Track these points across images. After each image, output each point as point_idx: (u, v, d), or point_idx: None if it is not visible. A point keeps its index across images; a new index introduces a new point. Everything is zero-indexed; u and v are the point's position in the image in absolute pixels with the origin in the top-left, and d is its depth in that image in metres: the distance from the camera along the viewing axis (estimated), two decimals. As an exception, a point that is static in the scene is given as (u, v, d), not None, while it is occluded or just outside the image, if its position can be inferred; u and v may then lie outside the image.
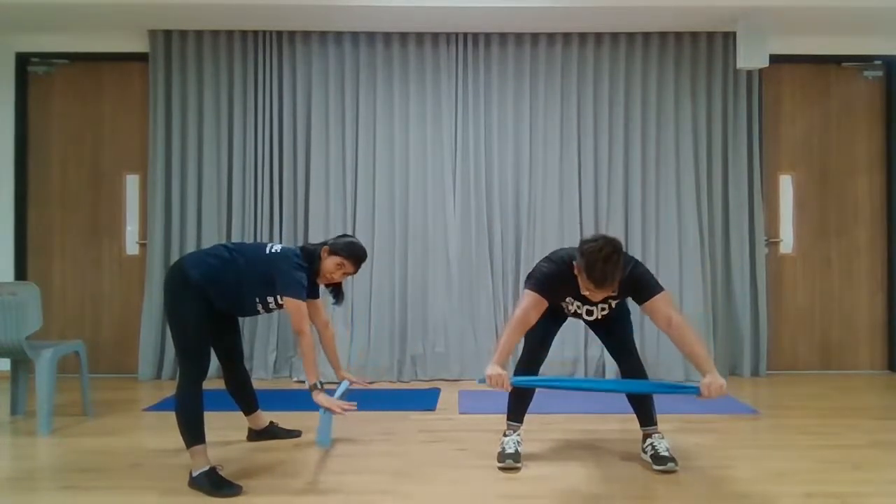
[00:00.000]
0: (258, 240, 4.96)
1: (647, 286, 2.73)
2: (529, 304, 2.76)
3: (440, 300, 4.95)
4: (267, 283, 2.89)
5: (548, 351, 3.08)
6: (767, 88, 5.17)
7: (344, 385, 3.28)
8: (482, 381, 2.68)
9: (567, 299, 2.90)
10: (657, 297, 2.71)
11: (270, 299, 2.94)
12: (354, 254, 3.06)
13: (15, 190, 5.08)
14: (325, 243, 3.09)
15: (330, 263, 3.02)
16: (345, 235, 3.19)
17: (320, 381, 2.87)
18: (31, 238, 5.13)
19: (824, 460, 3.07)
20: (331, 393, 2.98)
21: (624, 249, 2.66)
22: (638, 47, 5.02)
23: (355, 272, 3.12)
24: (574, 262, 2.65)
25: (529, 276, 2.90)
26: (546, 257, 2.90)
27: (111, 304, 5.15)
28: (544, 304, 2.77)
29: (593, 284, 2.56)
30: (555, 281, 2.77)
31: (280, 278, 2.87)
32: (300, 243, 4.97)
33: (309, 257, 3.03)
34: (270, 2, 4.49)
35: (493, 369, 2.68)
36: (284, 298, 2.87)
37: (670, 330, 2.69)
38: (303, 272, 2.93)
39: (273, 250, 2.95)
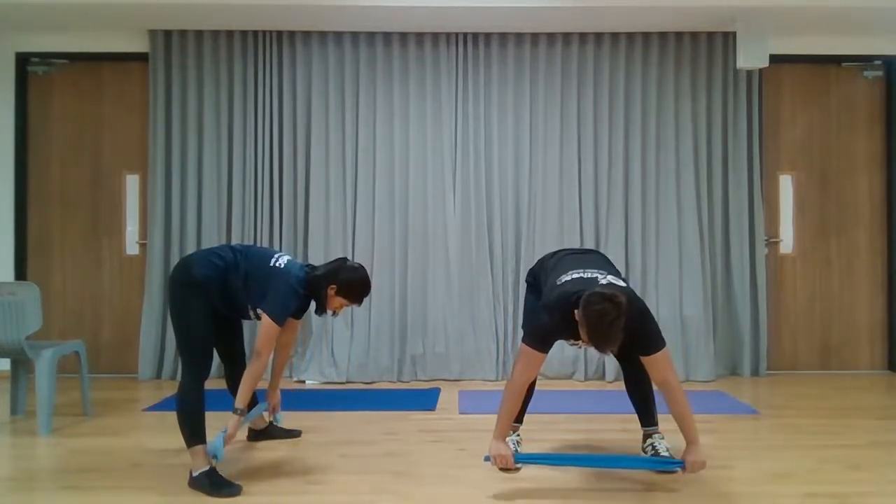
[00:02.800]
0: (258, 240, 4.96)
1: (649, 341, 2.68)
2: (529, 364, 2.73)
3: (440, 300, 4.95)
4: (261, 294, 2.86)
5: (547, 352, 3.08)
6: (767, 88, 5.17)
7: (262, 406, 3.24)
8: (487, 459, 2.75)
9: (568, 339, 2.85)
10: (657, 354, 2.68)
11: (261, 311, 2.91)
12: (360, 296, 3.00)
13: (15, 190, 5.08)
14: (331, 277, 2.95)
15: (335, 302, 2.97)
16: (346, 263, 3.03)
17: (245, 410, 2.83)
18: (31, 238, 5.13)
19: (824, 460, 3.07)
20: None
21: (633, 297, 2.61)
22: (638, 47, 5.02)
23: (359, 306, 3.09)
24: (575, 312, 2.54)
25: (529, 328, 2.84)
26: (543, 303, 2.75)
27: (111, 304, 5.14)
28: (544, 357, 2.74)
29: (594, 347, 2.55)
30: (554, 333, 2.72)
31: (269, 295, 2.83)
32: (300, 243, 4.98)
33: (313, 287, 2.95)
34: (270, 2, 4.49)
35: (497, 448, 2.74)
36: (262, 315, 2.82)
37: (663, 388, 2.72)
38: (295, 299, 2.88)
39: (277, 264, 2.90)
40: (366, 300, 4.88)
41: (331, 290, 2.94)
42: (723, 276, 5.05)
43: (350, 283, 2.96)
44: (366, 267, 3.07)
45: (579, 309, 2.50)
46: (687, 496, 2.66)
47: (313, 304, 3.06)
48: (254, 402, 3.33)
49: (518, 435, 3.09)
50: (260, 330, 2.81)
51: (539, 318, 2.75)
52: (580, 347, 2.89)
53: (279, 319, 2.81)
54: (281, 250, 4.89)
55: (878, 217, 5.23)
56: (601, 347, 2.54)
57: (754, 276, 5.02)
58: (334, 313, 3.08)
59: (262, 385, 3.15)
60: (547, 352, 2.73)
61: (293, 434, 3.46)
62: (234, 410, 2.79)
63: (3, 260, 5.04)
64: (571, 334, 2.67)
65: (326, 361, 4.90)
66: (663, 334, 2.72)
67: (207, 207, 4.98)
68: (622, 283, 2.71)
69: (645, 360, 2.72)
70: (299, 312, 3.12)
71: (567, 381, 4.89)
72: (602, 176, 5.01)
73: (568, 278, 2.74)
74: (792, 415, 3.91)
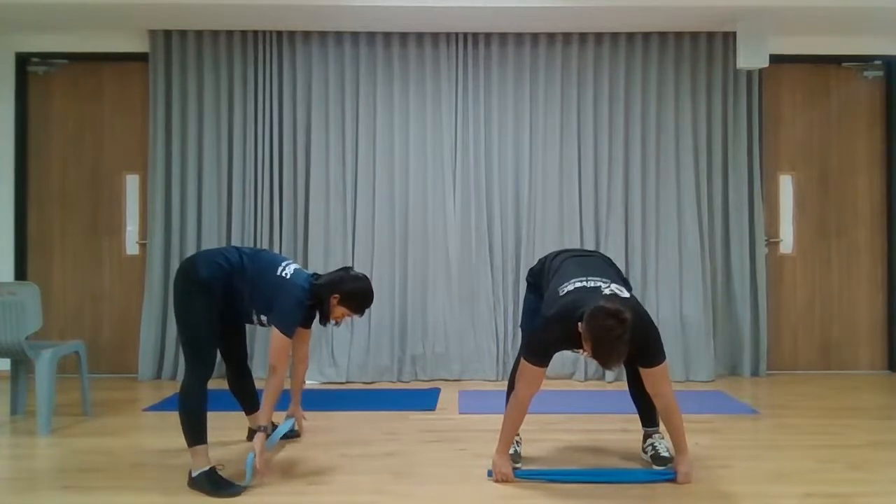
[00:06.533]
0: (258, 240, 4.95)
1: (651, 354, 2.69)
2: (531, 381, 2.73)
3: (440, 300, 4.95)
4: (267, 303, 2.87)
5: (547, 365, 3.05)
6: (767, 88, 5.17)
7: (290, 423, 3.24)
8: (490, 473, 2.80)
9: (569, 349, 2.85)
10: (657, 368, 2.70)
11: (264, 318, 2.93)
12: (362, 307, 3.01)
13: (15, 190, 5.08)
14: (337, 284, 2.96)
15: (338, 312, 2.98)
16: (349, 273, 3.05)
17: (269, 427, 2.83)
18: (31, 238, 5.13)
19: (824, 460, 3.07)
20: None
21: (638, 310, 2.60)
22: (638, 47, 5.02)
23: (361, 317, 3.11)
24: (579, 325, 2.53)
25: (528, 342, 2.85)
26: (544, 316, 2.74)
27: (111, 304, 5.14)
28: (545, 370, 2.74)
29: (599, 362, 2.55)
30: (553, 347, 2.73)
31: (276, 308, 2.85)
32: (300, 243, 4.98)
33: (317, 296, 2.96)
34: (270, 2, 4.49)
35: (499, 464, 2.78)
36: (272, 330, 2.84)
37: (657, 400, 2.78)
38: (301, 310, 2.89)
39: (283, 273, 2.90)
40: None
41: (334, 300, 2.95)
42: (723, 276, 5.05)
43: (353, 292, 2.97)
44: (366, 266, 3.07)
45: (583, 323, 2.49)
46: (687, 496, 2.66)
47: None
48: (255, 403, 3.35)
49: (518, 435, 3.08)
50: (272, 345, 2.83)
51: (538, 330, 2.76)
52: (582, 355, 2.89)
53: (289, 332, 2.83)
54: (281, 250, 4.93)
55: (878, 217, 5.23)
56: (606, 363, 2.54)
57: (754, 276, 5.02)
58: (336, 323, 3.08)
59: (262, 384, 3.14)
60: (547, 365, 2.73)
61: (293, 434, 3.46)
62: (259, 428, 2.80)
63: (3, 260, 5.04)
64: (573, 345, 2.67)
65: (326, 361, 4.90)
66: (663, 334, 2.72)
67: (207, 207, 4.98)
68: (626, 294, 2.69)
69: (643, 371, 2.74)
70: (307, 322, 3.13)
71: (567, 381, 4.89)
72: (602, 176, 5.01)
73: (570, 287, 2.72)
74: (792, 415, 3.91)
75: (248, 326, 3.19)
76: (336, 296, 2.95)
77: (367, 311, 3.09)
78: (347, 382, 4.83)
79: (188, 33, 5.00)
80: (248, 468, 2.78)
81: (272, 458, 3.09)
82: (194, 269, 2.83)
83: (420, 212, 5.00)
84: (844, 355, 5.21)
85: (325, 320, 3.03)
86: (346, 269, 3.08)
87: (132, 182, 5.18)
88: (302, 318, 2.94)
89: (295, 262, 3.24)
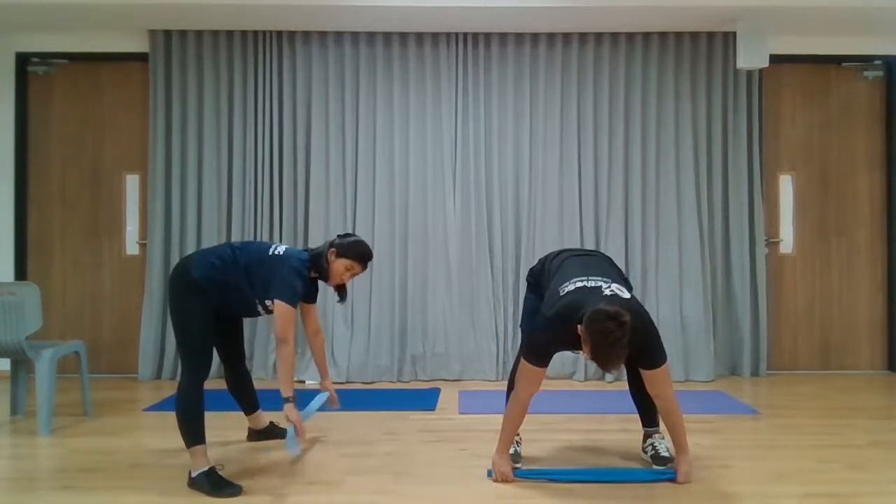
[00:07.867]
0: (258, 239, 4.96)
1: (651, 355, 2.69)
2: (531, 380, 2.73)
3: (440, 300, 4.95)
4: (266, 285, 2.89)
5: (547, 365, 3.05)
6: (767, 88, 5.17)
7: (324, 395, 3.28)
8: (490, 474, 2.81)
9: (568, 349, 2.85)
10: (658, 370, 2.70)
11: (269, 302, 2.93)
12: (362, 254, 3.07)
13: (15, 190, 5.08)
14: (331, 244, 3.06)
15: (339, 266, 3.03)
16: (348, 235, 3.17)
17: (294, 395, 2.87)
18: (31, 238, 5.13)
19: (824, 460, 3.07)
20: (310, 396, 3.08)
21: (638, 311, 2.59)
22: (638, 47, 5.02)
23: (364, 271, 3.14)
24: (578, 327, 2.52)
25: (527, 342, 2.85)
26: (544, 316, 2.71)
27: (111, 304, 5.14)
28: (545, 370, 2.73)
29: (598, 365, 2.55)
30: (553, 347, 2.73)
31: (275, 282, 2.86)
32: (300, 243, 4.98)
33: (316, 262, 3.02)
34: (270, 2, 4.49)
35: (499, 463, 2.79)
36: (275, 302, 2.85)
37: (658, 401, 2.78)
38: (300, 279, 2.91)
39: (276, 252, 2.95)
40: (366, 299, 4.91)
41: (331, 255, 3.01)
42: (723, 276, 5.05)
43: (349, 244, 3.05)
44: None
45: (582, 325, 2.49)
46: (687, 496, 2.66)
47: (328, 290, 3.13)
48: (255, 403, 3.35)
49: (518, 435, 3.08)
50: (276, 317, 2.85)
51: (538, 330, 2.75)
52: (582, 356, 2.89)
53: (292, 301, 2.85)
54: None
55: (878, 217, 5.23)
56: (605, 366, 2.54)
57: (754, 276, 5.02)
58: (342, 296, 3.13)
59: (305, 386, 3.15)
60: (546, 365, 2.73)
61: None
62: (286, 400, 2.84)
63: (3, 260, 5.04)
64: (572, 346, 2.67)
65: (327, 361, 4.89)
66: (663, 334, 2.72)
67: (207, 207, 4.98)
68: (626, 295, 2.67)
69: (644, 372, 2.74)
70: (311, 296, 3.18)
71: (567, 381, 4.89)
72: (602, 176, 5.01)
73: (571, 287, 2.71)
74: (792, 415, 3.91)
75: (246, 327, 3.19)
76: (333, 250, 3.01)
77: (365, 300, 3.12)
78: (347, 382, 4.83)
79: (188, 33, 5.00)
80: (291, 439, 2.86)
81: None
82: (187, 270, 2.84)
83: (420, 212, 5.00)
84: (844, 355, 5.21)
85: (326, 279, 3.06)
86: (338, 235, 3.16)
87: (132, 182, 5.18)
88: (303, 285, 2.94)
89: (286, 243, 3.29)
